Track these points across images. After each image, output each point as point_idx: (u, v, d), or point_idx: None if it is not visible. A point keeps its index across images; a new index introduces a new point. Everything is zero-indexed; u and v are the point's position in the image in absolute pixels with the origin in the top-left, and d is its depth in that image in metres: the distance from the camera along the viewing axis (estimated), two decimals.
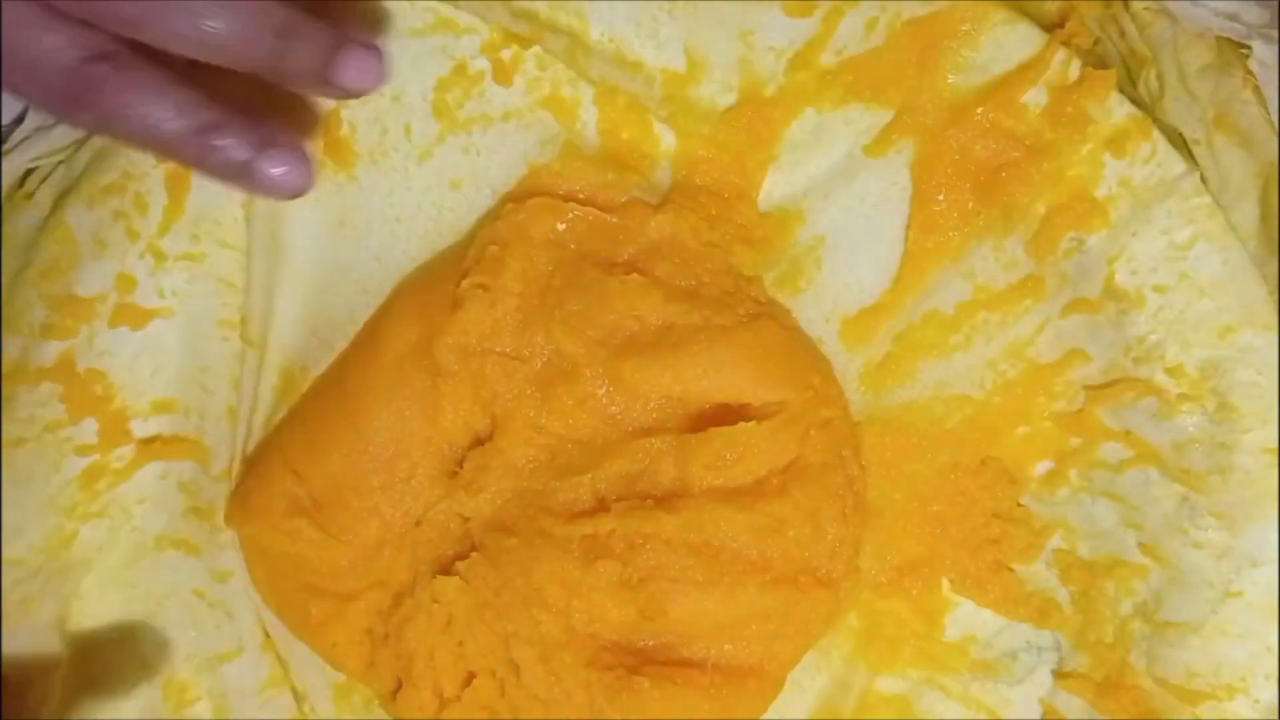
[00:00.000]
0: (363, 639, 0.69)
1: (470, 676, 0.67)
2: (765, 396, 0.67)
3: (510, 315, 0.67)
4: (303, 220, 0.70)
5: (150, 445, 0.67)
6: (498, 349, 0.67)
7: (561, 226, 0.69)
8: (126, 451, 0.66)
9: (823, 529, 0.68)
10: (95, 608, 0.65)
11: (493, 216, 0.70)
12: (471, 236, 0.70)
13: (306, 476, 0.68)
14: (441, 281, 0.69)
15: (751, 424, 0.66)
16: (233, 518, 0.70)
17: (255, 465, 0.70)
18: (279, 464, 0.69)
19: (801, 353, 0.71)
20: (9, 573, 0.64)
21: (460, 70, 0.69)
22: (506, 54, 0.69)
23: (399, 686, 0.68)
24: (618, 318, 0.67)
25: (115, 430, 0.66)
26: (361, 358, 0.70)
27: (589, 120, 0.71)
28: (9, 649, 0.63)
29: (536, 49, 0.69)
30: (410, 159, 0.70)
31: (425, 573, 0.68)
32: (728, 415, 0.67)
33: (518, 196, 0.70)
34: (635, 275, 0.68)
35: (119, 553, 0.66)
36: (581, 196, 0.70)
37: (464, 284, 0.68)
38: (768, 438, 0.66)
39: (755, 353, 0.67)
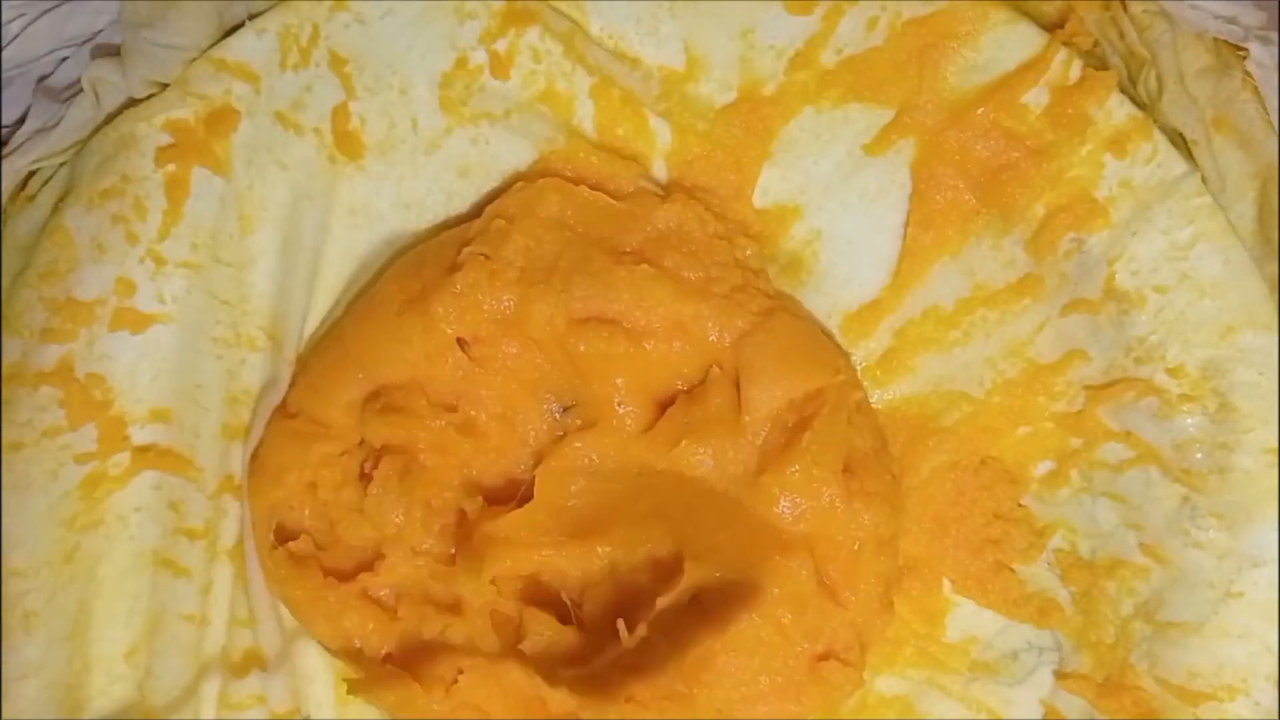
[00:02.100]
0: (371, 624, 0.68)
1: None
2: (803, 388, 0.67)
3: (510, 287, 0.67)
4: (310, 211, 0.70)
5: (146, 454, 0.66)
6: (487, 308, 0.67)
7: (569, 210, 0.69)
8: (123, 459, 0.66)
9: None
10: (103, 621, 0.65)
11: (502, 193, 0.70)
12: (479, 213, 0.70)
13: (319, 415, 0.68)
14: (445, 246, 0.69)
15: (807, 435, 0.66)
16: (251, 479, 0.69)
17: (269, 432, 0.70)
18: (290, 422, 0.69)
19: (822, 338, 0.71)
20: (12, 584, 0.63)
21: (461, 64, 0.69)
22: (502, 45, 0.69)
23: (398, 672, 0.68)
24: (625, 308, 0.67)
25: (114, 436, 0.65)
26: (359, 311, 0.70)
27: (585, 115, 0.71)
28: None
29: (533, 35, 0.69)
30: (418, 151, 0.71)
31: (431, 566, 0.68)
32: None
33: (529, 177, 0.70)
34: (645, 265, 0.67)
35: (118, 561, 0.65)
36: (591, 183, 0.70)
37: (465, 251, 0.67)
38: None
39: (776, 351, 0.67)
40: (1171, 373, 0.66)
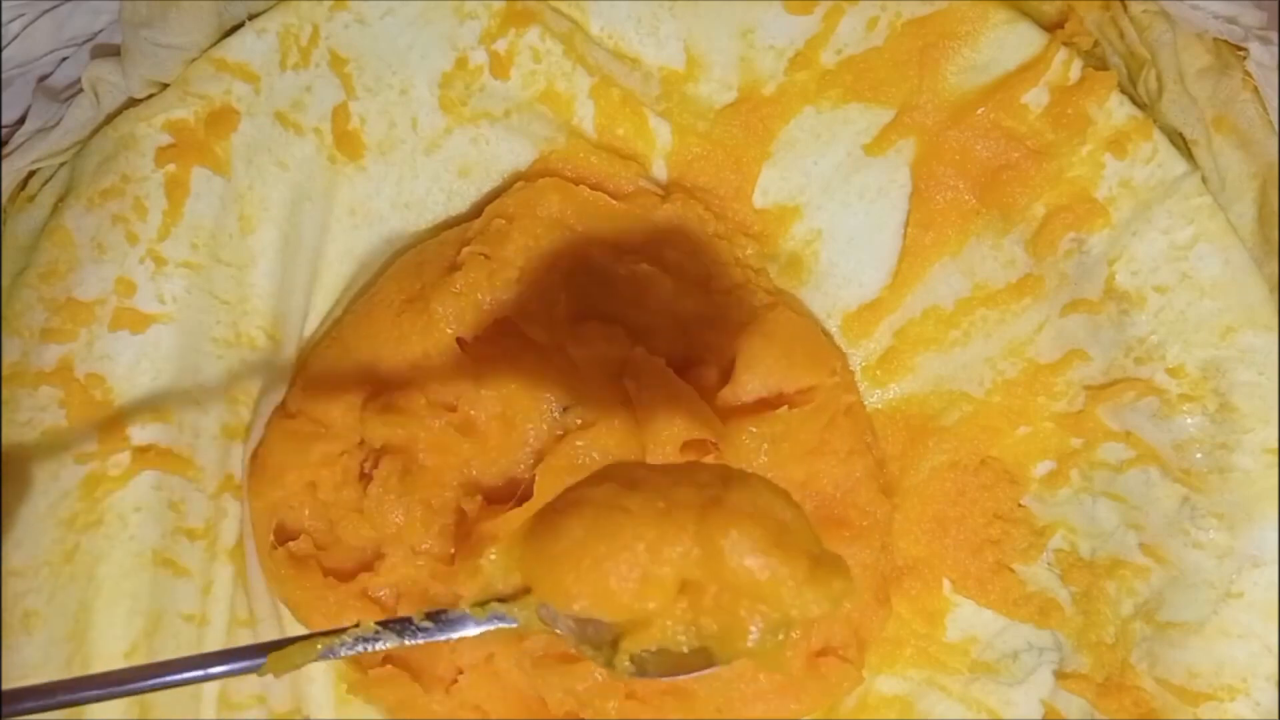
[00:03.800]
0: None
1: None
2: (796, 382, 0.67)
3: (510, 286, 0.67)
4: (310, 211, 0.70)
5: (146, 454, 0.66)
6: (487, 308, 0.67)
7: (569, 209, 0.69)
8: (123, 458, 0.66)
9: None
10: (103, 621, 0.65)
11: (502, 193, 0.70)
12: (479, 213, 0.70)
13: (319, 415, 0.68)
14: (444, 246, 0.69)
15: (785, 409, 0.66)
16: (251, 479, 0.69)
17: (269, 432, 0.70)
18: (290, 422, 0.69)
19: (822, 337, 0.71)
20: (12, 584, 0.63)
21: (461, 64, 0.69)
22: (502, 45, 0.69)
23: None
24: (624, 305, 0.67)
25: (113, 436, 0.65)
26: (359, 310, 0.70)
27: (585, 115, 0.71)
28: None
29: (533, 35, 0.69)
30: (418, 151, 0.71)
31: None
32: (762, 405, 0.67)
33: (529, 177, 0.70)
34: (645, 265, 0.67)
35: (118, 562, 0.65)
36: (591, 183, 0.70)
37: (465, 250, 0.68)
38: (803, 423, 0.66)
39: (777, 342, 0.67)
40: (1171, 373, 0.66)
